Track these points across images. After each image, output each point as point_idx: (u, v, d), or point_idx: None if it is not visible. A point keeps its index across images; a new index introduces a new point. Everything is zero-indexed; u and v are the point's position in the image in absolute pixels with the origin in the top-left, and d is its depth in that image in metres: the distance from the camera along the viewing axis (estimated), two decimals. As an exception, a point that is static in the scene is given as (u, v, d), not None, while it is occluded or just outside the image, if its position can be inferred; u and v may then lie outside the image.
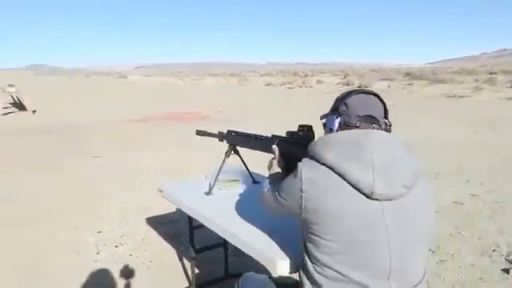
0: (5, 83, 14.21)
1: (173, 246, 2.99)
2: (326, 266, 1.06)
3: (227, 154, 1.92)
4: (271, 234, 1.44)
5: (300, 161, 1.15)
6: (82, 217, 3.56)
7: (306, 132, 1.39)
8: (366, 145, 1.05)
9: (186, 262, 2.72)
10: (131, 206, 3.84)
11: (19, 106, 13.08)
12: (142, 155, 6.20)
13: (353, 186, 1.02)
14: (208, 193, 1.97)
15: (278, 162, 1.45)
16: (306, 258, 1.13)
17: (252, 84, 35.10)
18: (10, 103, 13.50)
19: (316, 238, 1.07)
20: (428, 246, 1.17)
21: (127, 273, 2.60)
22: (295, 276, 1.24)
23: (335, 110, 1.18)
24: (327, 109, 1.23)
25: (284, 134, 1.52)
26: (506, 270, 2.52)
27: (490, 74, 23.02)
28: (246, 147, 1.78)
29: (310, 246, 1.10)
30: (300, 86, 27.93)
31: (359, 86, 23.38)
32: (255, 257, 1.39)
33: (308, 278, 1.12)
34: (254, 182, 2.11)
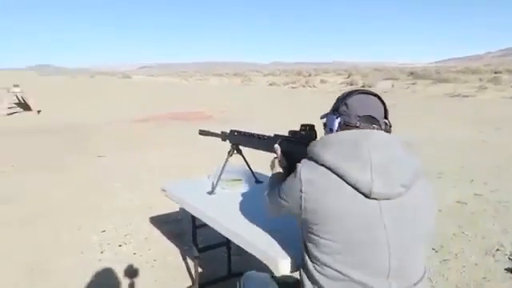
0: (10, 83, 14.30)
1: (176, 246, 3.00)
2: (325, 265, 1.07)
3: (230, 154, 1.93)
4: (273, 233, 1.45)
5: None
6: (86, 216, 3.58)
7: (308, 131, 1.40)
8: (365, 145, 1.05)
9: (189, 261, 2.73)
10: (135, 206, 3.86)
11: (24, 106, 13.16)
12: (146, 155, 6.23)
13: (351, 186, 1.03)
14: (211, 192, 1.98)
15: (280, 161, 1.46)
16: (306, 257, 1.14)
17: (255, 84, 35.09)
18: (15, 103, 13.58)
19: (316, 237, 1.08)
20: (428, 244, 1.17)
21: (131, 272, 2.62)
22: (296, 275, 1.25)
23: (335, 110, 1.19)
24: (330, 108, 1.24)
25: (286, 134, 1.52)
26: (510, 270, 2.51)
27: (495, 73, 22.87)
28: (249, 147, 1.79)
29: (310, 245, 1.11)
30: (303, 86, 27.89)
31: (363, 86, 23.32)
32: (258, 256, 1.40)
33: (308, 278, 1.13)
34: (257, 181, 2.12)
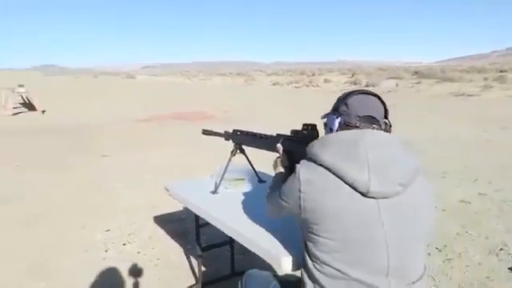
0: (15, 83, 14.38)
1: (180, 245, 3.02)
2: (325, 263, 1.08)
3: (233, 153, 1.94)
4: (276, 232, 1.46)
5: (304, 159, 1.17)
6: (90, 215, 3.60)
7: (310, 131, 1.41)
8: (362, 144, 1.06)
9: (192, 259, 2.74)
10: (139, 205, 3.88)
11: (29, 106, 13.23)
12: (150, 154, 6.25)
13: (349, 185, 1.04)
14: (214, 191, 1.99)
15: (282, 160, 1.47)
16: (307, 256, 1.15)
17: (259, 83, 35.09)
18: (20, 103, 13.66)
19: (315, 236, 1.09)
20: (427, 242, 1.18)
21: (135, 271, 2.64)
22: (298, 274, 1.26)
23: (336, 109, 1.20)
24: (330, 108, 1.25)
25: (289, 133, 1.53)
26: (514, 269, 2.51)
27: (500, 72, 22.73)
28: (252, 146, 1.80)
29: (309, 244, 1.13)
30: (307, 86, 27.85)
31: (367, 85, 23.25)
32: (260, 254, 1.41)
33: (309, 276, 1.14)
34: (260, 180, 2.13)
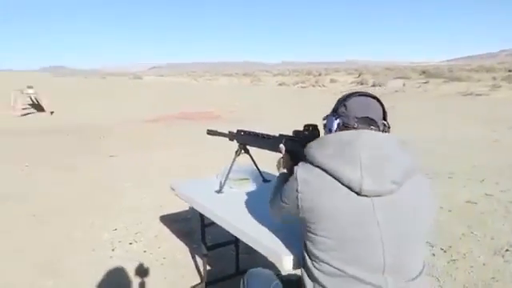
0: (24, 85, 14.55)
1: (185, 244, 3.05)
2: (323, 262, 1.10)
3: (237, 153, 1.96)
4: (279, 231, 1.47)
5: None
6: (97, 215, 3.65)
7: (312, 131, 1.43)
8: (356, 144, 1.09)
9: (198, 259, 2.77)
10: (145, 204, 3.92)
11: (37, 106, 13.38)
12: (156, 154, 6.30)
13: (344, 185, 1.07)
14: (219, 191, 2.01)
15: (285, 161, 1.50)
16: (306, 255, 1.17)
17: (265, 84, 35.08)
18: (29, 104, 13.81)
19: (313, 235, 1.12)
20: (425, 240, 1.19)
21: (141, 269, 2.67)
22: (299, 273, 1.28)
23: (335, 111, 1.23)
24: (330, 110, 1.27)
25: (291, 134, 1.55)
26: (519, 270, 2.49)
27: (509, 71, 22.48)
28: (255, 146, 1.82)
29: (308, 243, 1.15)
30: (313, 86, 27.79)
31: (373, 85, 23.14)
32: (264, 253, 1.43)
33: (308, 275, 1.17)
34: (264, 180, 2.14)
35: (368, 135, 1.12)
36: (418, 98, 16.17)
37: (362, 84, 25.03)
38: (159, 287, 2.48)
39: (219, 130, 2.10)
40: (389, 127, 1.21)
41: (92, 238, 3.17)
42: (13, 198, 4.14)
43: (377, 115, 1.19)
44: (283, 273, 1.55)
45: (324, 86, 27.16)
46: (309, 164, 1.16)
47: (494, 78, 19.36)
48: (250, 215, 1.68)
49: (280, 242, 1.41)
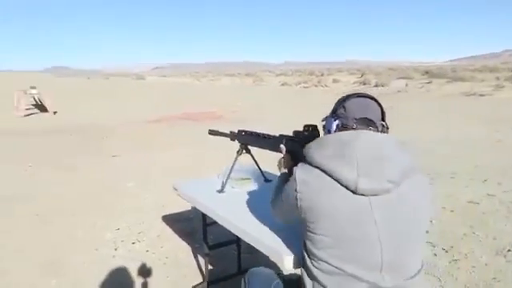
0: (27, 85, 14.62)
1: (188, 243, 3.06)
2: (321, 260, 1.11)
3: (239, 153, 1.97)
4: (281, 230, 1.48)
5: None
6: (100, 214, 3.67)
7: (311, 132, 1.44)
8: (353, 144, 1.10)
9: (200, 258, 2.78)
10: (148, 204, 3.94)
11: (41, 107, 13.43)
12: (159, 155, 6.33)
13: (342, 185, 1.08)
14: (220, 191, 2.02)
15: (286, 161, 1.51)
16: (305, 254, 1.19)
17: (267, 84, 35.10)
18: (32, 104, 13.87)
19: (312, 234, 1.13)
20: (424, 239, 1.20)
21: (144, 269, 2.69)
22: (300, 272, 1.29)
23: (334, 112, 1.24)
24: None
25: (291, 134, 1.56)
26: (521, 270, 2.49)
27: (512, 71, 22.39)
28: (256, 146, 1.84)
29: (307, 242, 1.17)
30: (316, 86, 27.78)
31: (376, 85, 23.10)
32: (265, 252, 1.44)
33: (307, 274, 1.18)
34: (266, 180, 2.15)
35: (367, 135, 1.13)
36: (421, 98, 16.15)
37: (364, 84, 24.99)
38: (161, 286, 2.49)
39: (221, 130, 2.11)
40: (387, 128, 1.22)
41: (95, 237, 3.19)
42: (16, 197, 4.17)
43: (375, 116, 1.20)
44: (285, 272, 1.56)
45: (326, 86, 27.14)
46: (308, 165, 1.17)
47: (498, 78, 19.29)
48: (251, 215, 1.69)
49: (281, 242, 1.42)
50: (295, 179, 1.17)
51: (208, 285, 2.39)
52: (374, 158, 1.09)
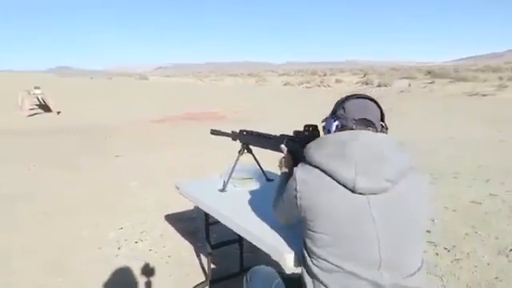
0: (31, 85, 14.69)
1: (190, 243, 3.08)
2: (320, 258, 1.13)
3: (240, 153, 1.99)
4: (281, 229, 1.50)
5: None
6: (103, 214, 3.69)
7: (312, 132, 1.46)
8: (352, 144, 1.12)
9: (202, 257, 2.80)
10: (151, 204, 3.96)
11: (44, 107, 13.50)
12: (162, 154, 6.35)
13: (341, 183, 1.09)
14: (222, 190, 2.03)
15: (287, 160, 1.52)
16: (305, 252, 1.20)
17: (270, 84, 35.09)
18: (36, 104, 13.94)
19: (311, 232, 1.15)
20: (423, 237, 1.22)
21: (146, 268, 2.70)
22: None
23: (334, 113, 1.26)
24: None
25: (292, 134, 1.58)
26: (523, 270, 2.49)
27: (516, 71, 22.27)
28: (258, 146, 1.85)
29: (307, 240, 1.18)
30: (318, 86, 27.76)
31: (379, 85, 23.06)
32: (267, 251, 1.45)
33: (307, 272, 1.19)
34: (268, 179, 2.17)
35: (365, 135, 1.15)
36: (424, 98, 16.12)
37: (367, 84, 24.95)
38: (164, 285, 2.51)
39: (222, 130, 2.13)
40: (386, 128, 1.24)
41: (98, 236, 3.21)
42: (20, 197, 4.20)
43: (374, 117, 1.22)
44: (286, 271, 1.58)
45: (329, 86, 27.11)
46: (308, 165, 1.19)
47: (501, 78, 19.20)
48: (253, 214, 1.71)
49: (282, 241, 1.44)
50: (295, 179, 1.19)
51: (210, 283, 2.40)
52: (373, 157, 1.10)
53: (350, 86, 25.65)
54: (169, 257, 2.86)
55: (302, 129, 1.54)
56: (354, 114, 1.21)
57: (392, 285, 1.09)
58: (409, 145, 5.97)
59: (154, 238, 3.18)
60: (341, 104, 1.25)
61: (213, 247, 2.34)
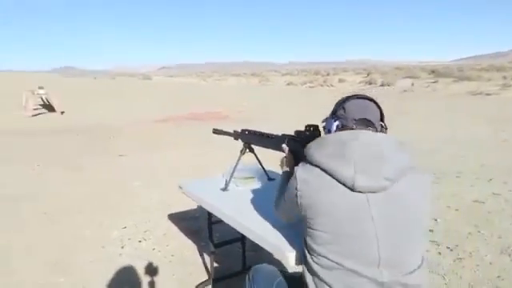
0: (35, 85, 14.77)
1: (193, 242, 3.09)
2: (320, 255, 1.14)
3: (242, 152, 2.00)
4: (284, 228, 1.51)
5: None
6: (107, 213, 3.71)
7: (313, 131, 1.47)
8: (351, 144, 1.13)
9: (205, 256, 2.81)
10: (154, 203, 3.98)
11: (48, 107, 13.56)
12: (165, 154, 6.37)
13: (340, 182, 1.11)
14: (224, 189, 2.04)
15: (288, 160, 1.54)
16: (306, 250, 1.22)
17: (273, 84, 35.10)
18: (40, 104, 14.01)
19: (312, 230, 1.16)
20: (424, 235, 1.22)
21: (150, 267, 2.72)
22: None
23: (334, 113, 1.28)
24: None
25: (293, 134, 1.59)
26: (526, 269, 2.49)
27: (520, 70, 22.17)
28: (259, 145, 1.86)
29: (308, 238, 1.20)
30: (321, 85, 27.73)
31: (382, 85, 23.00)
32: (269, 250, 1.47)
33: (308, 270, 1.21)
34: (269, 178, 2.18)
35: (365, 135, 1.16)
36: (427, 98, 16.07)
37: (370, 84, 24.90)
38: (167, 284, 2.52)
39: (224, 130, 2.14)
40: (386, 128, 1.26)
41: (102, 236, 3.23)
42: (24, 197, 4.23)
43: (374, 117, 1.24)
44: (288, 269, 1.59)
45: (332, 85, 27.07)
46: (308, 164, 1.20)
47: (505, 77, 19.12)
48: (255, 213, 1.72)
49: (284, 239, 1.45)
50: (296, 178, 1.20)
51: (213, 282, 2.42)
52: (373, 156, 1.12)
53: (353, 85, 25.60)
54: (172, 256, 2.88)
55: (303, 129, 1.55)
56: (354, 114, 1.22)
57: (392, 282, 1.10)
58: (412, 144, 5.96)
59: (158, 237, 3.20)
60: (341, 104, 1.26)
61: (216, 246, 2.36)
